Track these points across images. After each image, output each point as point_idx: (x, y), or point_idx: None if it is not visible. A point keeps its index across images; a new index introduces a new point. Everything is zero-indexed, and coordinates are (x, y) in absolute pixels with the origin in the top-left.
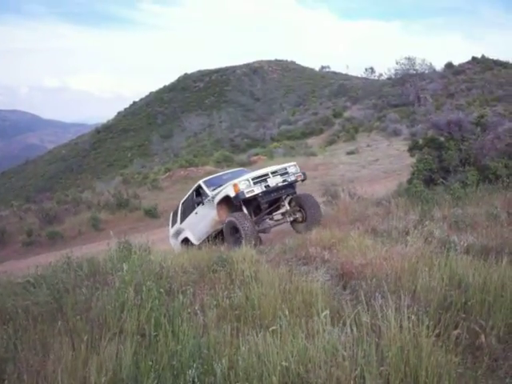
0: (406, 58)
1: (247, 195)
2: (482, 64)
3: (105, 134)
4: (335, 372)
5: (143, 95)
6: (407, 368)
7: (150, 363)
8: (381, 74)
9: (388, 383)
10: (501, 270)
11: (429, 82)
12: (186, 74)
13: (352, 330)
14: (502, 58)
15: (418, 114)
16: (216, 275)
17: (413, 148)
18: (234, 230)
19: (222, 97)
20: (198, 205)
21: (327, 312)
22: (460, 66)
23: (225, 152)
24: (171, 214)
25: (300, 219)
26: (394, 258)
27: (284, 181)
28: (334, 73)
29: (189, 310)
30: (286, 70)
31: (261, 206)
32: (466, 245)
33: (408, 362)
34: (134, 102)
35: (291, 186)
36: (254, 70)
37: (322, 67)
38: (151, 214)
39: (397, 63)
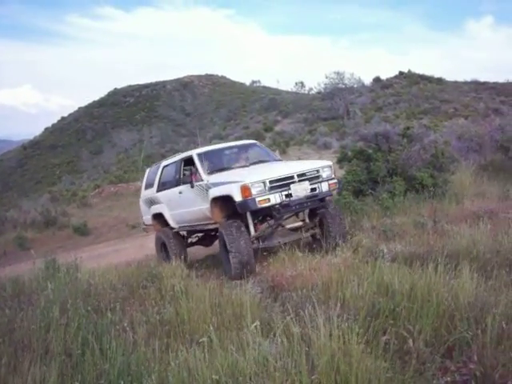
0: (335, 73)
1: (259, 205)
2: (408, 78)
3: (32, 151)
4: (266, 383)
5: (72, 110)
6: (338, 375)
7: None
8: (311, 89)
9: None
10: (427, 277)
11: (358, 95)
12: (115, 89)
13: (282, 340)
14: (427, 72)
15: (347, 127)
16: (146, 291)
17: (342, 160)
18: (224, 247)
19: (153, 112)
20: (185, 184)
21: (257, 323)
22: (387, 80)
23: None
24: (147, 171)
25: (318, 237)
26: (323, 269)
27: (313, 191)
28: (265, 87)
29: (117, 327)
30: (217, 85)
31: (272, 217)
32: (393, 253)
33: (338, 370)
34: (63, 118)
35: (322, 199)
36: (185, 85)
37: (253, 82)
38: (80, 231)
39: (326, 77)
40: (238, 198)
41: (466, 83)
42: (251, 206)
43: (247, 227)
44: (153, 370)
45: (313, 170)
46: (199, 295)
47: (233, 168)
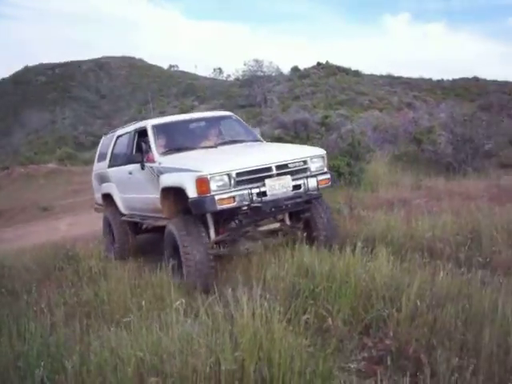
0: (254, 60)
1: (219, 206)
2: (326, 69)
3: None
4: (191, 360)
5: None
6: (261, 352)
7: None
8: (228, 75)
9: (243, 367)
10: (345, 259)
11: (275, 84)
12: (26, 67)
13: (205, 319)
14: (345, 64)
15: (264, 114)
16: (62, 273)
17: None
18: (174, 249)
19: (66, 92)
20: (135, 163)
21: (180, 302)
22: (305, 70)
23: (68, 149)
24: (102, 140)
25: (300, 238)
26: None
27: (296, 189)
28: (183, 72)
29: (35, 309)
30: (134, 68)
31: (239, 219)
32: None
33: (261, 347)
34: None
35: (307, 200)
36: (101, 66)
37: (171, 66)
38: None
39: (245, 65)
40: (191, 193)
41: (381, 77)
42: (208, 206)
43: (206, 227)
44: (74, 351)
45: (298, 160)
46: (119, 277)
47: (195, 148)
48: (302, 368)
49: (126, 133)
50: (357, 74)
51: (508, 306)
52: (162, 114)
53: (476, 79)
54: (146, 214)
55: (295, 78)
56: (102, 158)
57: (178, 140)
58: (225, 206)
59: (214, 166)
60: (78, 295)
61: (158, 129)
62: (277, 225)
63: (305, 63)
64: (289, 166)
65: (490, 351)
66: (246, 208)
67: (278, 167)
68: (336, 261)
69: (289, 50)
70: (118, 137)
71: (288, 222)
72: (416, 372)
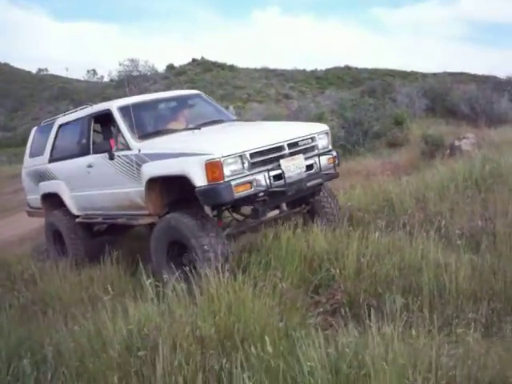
0: (129, 60)
1: (237, 194)
2: (202, 65)
3: None
4: (173, 331)
5: None
6: (235, 316)
7: None
8: (102, 76)
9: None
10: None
11: (152, 83)
12: None
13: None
14: (220, 59)
15: None
16: None
17: None
18: (178, 246)
19: None
20: (98, 153)
21: (150, 281)
22: (181, 67)
23: None
24: (33, 132)
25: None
26: None
27: (309, 169)
28: (53, 76)
29: None
30: None
31: (255, 208)
32: None
33: (235, 312)
34: None
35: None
36: None
37: (40, 70)
38: None
39: (120, 65)
40: (199, 181)
41: (256, 70)
42: (225, 195)
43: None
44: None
45: (307, 137)
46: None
47: (177, 130)
48: (275, 323)
49: (75, 120)
50: (232, 68)
51: (436, 252)
52: (36, 120)
53: (348, 68)
54: (115, 213)
55: (171, 75)
56: (36, 152)
57: (153, 122)
58: (242, 194)
59: (226, 148)
60: (22, 297)
61: (125, 111)
62: (277, 211)
63: (180, 60)
64: (299, 143)
65: (430, 289)
66: (263, 194)
67: (290, 145)
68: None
69: (163, 48)
70: (61, 126)
71: (285, 208)
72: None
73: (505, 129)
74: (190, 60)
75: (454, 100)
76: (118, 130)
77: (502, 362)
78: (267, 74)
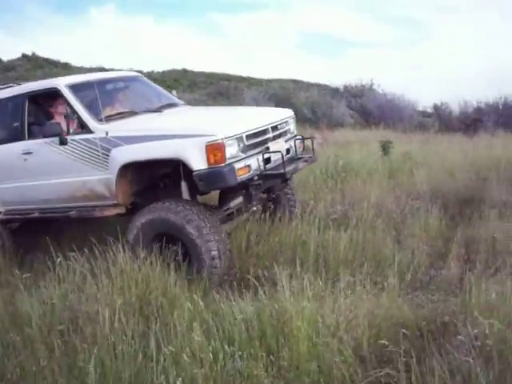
0: None
1: (239, 178)
2: (33, 61)
3: None
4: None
5: None
6: (149, 289)
7: None
8: None
9: None
10: None
11: None
12: None
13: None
14: (54, 57)
15: None
16: None
17: None
18: (166, 237)
19: None
20: (39, 138)
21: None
22: (10, 62)
23: None
24: None
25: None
26: None
27: (288, 153)
28: None
29: None
30: None
31: (249, 193)
32: None
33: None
34: None
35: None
36: None
37: None
38: None
39: None
40: (198, 164)
41: (91, 69)
42: (229, 179)
43: None
44: None
45: (284, 120)
46: None
47: (137, 113)
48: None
49: (3, 99)
50: (66, 66)
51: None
52: None
53: (184, 70)
54: (62, 206)
55: None
56: None
57: (107, 103)
58: (243, 177)
59: (226, 129)
60: None
61: (76, 90)
62: (241, 199)
63: (8, 55)
64: (279, 127)
65: (315, 257)
66: (257, 178)
67: (273, 129)
68: None
69: None
70: None
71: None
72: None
73: (344, 130)
74: (20, 55)
75: (298, 104)
76: (74, 111)
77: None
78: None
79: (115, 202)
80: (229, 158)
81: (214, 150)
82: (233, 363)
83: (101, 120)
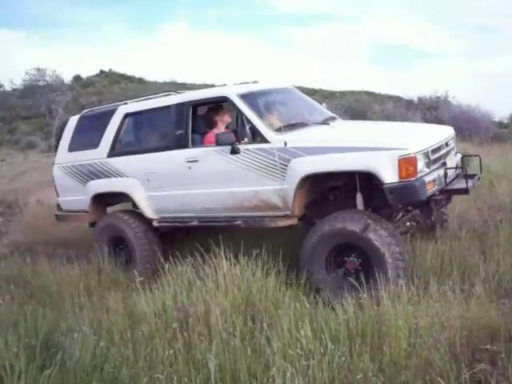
0: (35, 69)
1: (428, 192)
2: (109, 77)
3: None
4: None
5: None
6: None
7: None
8: (1, 85)
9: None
10: None
11: (59, 93)
12: None
13: None
14: (129, 72)
15: (50, 125)
16: None
17: None
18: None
19: None
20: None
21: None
22: (88, 78)
23: None
24: (72, 122)
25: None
26: None
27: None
28: None
29: None
30: None
31: (430, 208)
32: None
33: None
34: None
35: None
36: None
37: None
38: None
39: (26, 74)
40: (389, 177)
41: (165, 84)
42: (421, 193)
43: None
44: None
45: (452, 136)
46: None
47: (307, 125)
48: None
49: (157, 108)
50: (141, 81)
51: None
52: None
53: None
54: (226, 215)
55: (78, 87)
56: (82, 145)
57: (274, 114)
58: (430, 192)
59: (417, 143)
60: None
61: (247, 99)
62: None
63: (87, 72)
64: (449, 143)
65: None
66: (438, 193)
67: (446, 144)
68: None
69: (68, 59)
70: (129, 115)
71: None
72: None
73: None
74: (98, 72)
75: (373, 117)
76: (247, 121)
77: None
78: (176, 87)
79: (287, 212)
80: (419, 173)
81: (407, 163)
82: (339, 357)
83: (278, 130)
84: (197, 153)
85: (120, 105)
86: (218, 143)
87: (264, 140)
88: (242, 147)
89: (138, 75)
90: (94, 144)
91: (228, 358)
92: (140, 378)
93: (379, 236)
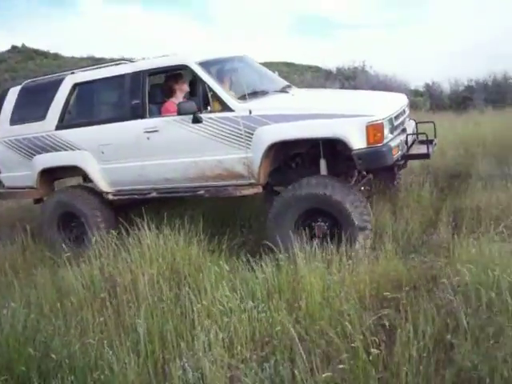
0: None
1: (394, 157)
2: (22, 53)
3: None
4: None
5: None
6: None
7: None
8: None
9: None
10: None
11: None
12: None
13: None
14: (43, 47)
15: None
16: None
17: None
18: (310, 214)
19: None
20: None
21: None
22: (0, 54)
23: None
24: (12, 93)
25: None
26: None
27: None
28: None
29: None
30: None
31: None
32: None
33: None
34: None
35: None
36: None
37: None
38: None
39: None
40: (357, 144)
41: (82, 59)
42: (388, 158)
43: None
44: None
45: (407, 103)
46: None
47: (267, 92)
48: None
49: (116, 76)
50: (56, 56)
51: None
52: None
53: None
54: (189, 185)
55: None
56: (25, 117)
57: (241, 81)
58: (395, 157)
59: (381, 110)
60: None
61: (206, 67)
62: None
63: None
64: (405, 110)
65: None
66: (400, 158)
67: (404, 111)
68: None
69: None
70: (79, 85)
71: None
72: None
73: None
74: (10, 47)
75: None
76: (208, 89)
77: None
78: (95, 62)
79: (251, 181)
80: (385, 139)
81: (375, 129)
82: (259, 313)
83: (241, 98)
84: (156, 123)
85: (67, 74)
86: (180, 112)
87: (227, 108)
88: (204, 116)
89: (52, 50)
90: (40, 116)
91: (156, 322)
92: (72, 345)
93: (350, 201)
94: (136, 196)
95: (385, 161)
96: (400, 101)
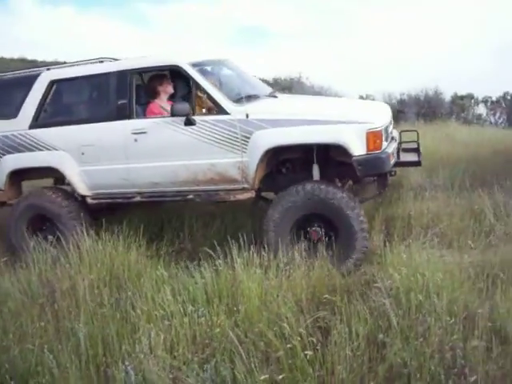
0: None
1: (390, 164)
2: None
3: None
4: None
5: None
6: None
7: None
8: None
9: None
10: None
11: None
12: None
13: None
14: None
15: None
16: None
17: None
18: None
19: None
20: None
21: None
22: None
23: None
24: None
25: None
26: None
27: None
28: None
29: None
30: None
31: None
32: None
33: None
34: None
35: None
36: None
37: None
38: None
39: None
40: (357, 150)
41: (12, 60)
42: (386, 165)
43: None
44: None
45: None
46: None
47: (259, 96)
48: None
49: (93, 76)
50: None
51: None
52: None
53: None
54: (178, 189)
55: None
56: None
57: (231, 85)
58: (391, 164)
59: (379, 117)
60: None
61: (199, 69)
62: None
63: None
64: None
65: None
66: (393, 165)
67: (391, 120)
68: None
69: None
70: (56, 82)
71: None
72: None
73: None
74: None
75: None
76: (202, 89)
77: None
78: (26, 64)
79: (244, 186)
80: (383, 146)
81: (375, 136)
82: (199, 317)
83: (237, 101)
84: (144, 124)
85: (42, 71)
86: (173, 114)
87: (223, 111)
88: (198, 118)
89: None
90: (11, 114)
91: (97, 326)
92: (11, 350)
93: (349, 206)
94: (118, 200)
95: (384, 167)
96: (387, 109)
